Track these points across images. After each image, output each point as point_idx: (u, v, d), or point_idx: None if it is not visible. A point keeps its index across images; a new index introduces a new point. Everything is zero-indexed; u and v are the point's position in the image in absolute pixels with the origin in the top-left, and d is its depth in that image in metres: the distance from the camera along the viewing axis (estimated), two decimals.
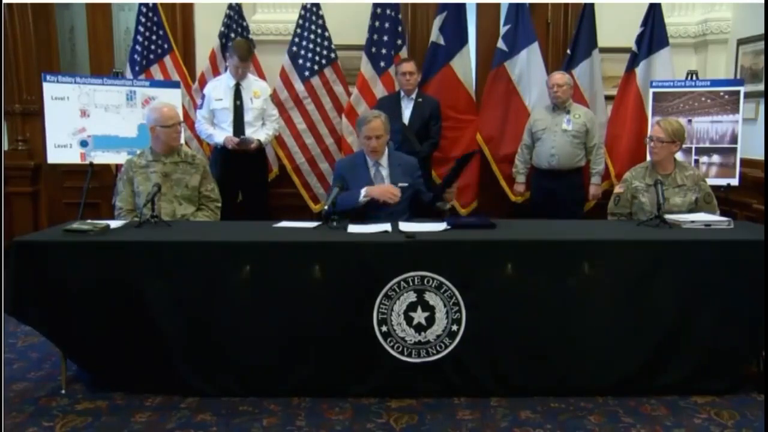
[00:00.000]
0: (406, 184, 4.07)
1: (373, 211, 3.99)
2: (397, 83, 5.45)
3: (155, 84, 5.46)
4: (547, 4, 6.03)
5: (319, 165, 5.84)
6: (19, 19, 5.90)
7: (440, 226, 3.67)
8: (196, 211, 4.26)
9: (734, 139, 5.19)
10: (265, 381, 3.42)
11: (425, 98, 5.41)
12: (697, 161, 5.26)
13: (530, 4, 5.79)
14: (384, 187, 4.01)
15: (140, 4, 5.67)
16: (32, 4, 5.91)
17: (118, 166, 5.20)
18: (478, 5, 6.08)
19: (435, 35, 5.70)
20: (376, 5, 5.63)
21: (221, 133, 5.10)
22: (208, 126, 5.20)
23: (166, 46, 5.74)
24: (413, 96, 5.35)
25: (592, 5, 5.62)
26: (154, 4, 5.69)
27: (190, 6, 6.01)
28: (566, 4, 5.98)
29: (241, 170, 5.15)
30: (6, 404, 3.32)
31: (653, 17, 5.54)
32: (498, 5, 6.06)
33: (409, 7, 6.01)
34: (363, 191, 3.98)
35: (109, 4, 6.11)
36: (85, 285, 3.32)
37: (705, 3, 5.89)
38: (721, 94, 5.24)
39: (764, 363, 3.60)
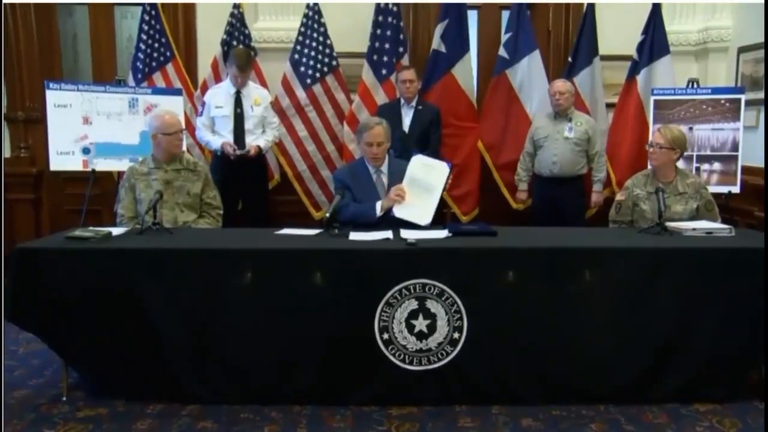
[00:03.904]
0: None
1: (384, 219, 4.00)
2: (398, 91, 5.45)
3: (157, 91, 5.46)
4: (548, 11, 6.05)
5: (320, 172, 5.83)
6: (22, 27, 5.91)
7: (442, 234, 3.67)
8: (197, 218, 4.26)
9: (735, 146, 5.19)
10: (267, 388, 3.42)
11: (425, 106, 5.41)
12: (698, 169, 5.26)
13: (531, 12, 5.80)
14: (390, 195, 3.98)
15: (142, 12, 5.68)
16: (35, 12, 5.92)
17: (120, 174, 5.20)
18: (480, 13, 6.10)
19: (436, 43, 5.70)
20: (377, 13, 5.64)
21: (220, 140, 5.10)
22: (207, 133, 5.19)
23: (168, 53, 5.75)
24: (413, 104, 5.35)
25: (593, 13, 5.64)
26: (157, 12, 5.70)
27: (193, 13, 6.01)
28: (567, 12, 6.00)
29: (241, 177, 5.13)
30: (7, 411, 3.32)
31: (654, 25, 5.55)
32: (499, 13, 6.08)
33: (410, 14, 6.02)
34: (377, 207, 3.97)
35: (111, 12, 6.13)
36: (86, 292, 3.32)
37: (705, 11, 5.91)
38: (722, 101, 5.24)
39: (765, 371, 3.59)
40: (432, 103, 5.54)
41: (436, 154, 5.24)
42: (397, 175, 4.09)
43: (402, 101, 5.38)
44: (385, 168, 4.16)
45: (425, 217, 3.93)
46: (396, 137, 4.88)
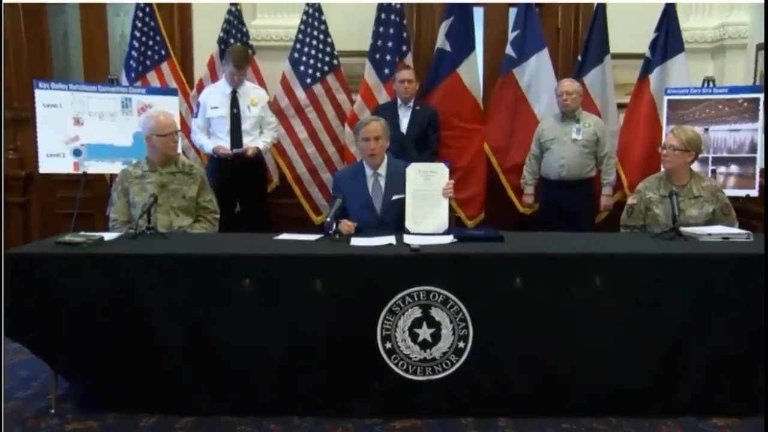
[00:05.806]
0: (402, 196, 3.94)
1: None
2: (396, 90, 5.40)
3: (152, 91, 5.41)
4: (557, 8, 5.97)
5: (320, 175, 5.78)
6: (10, 24, 5.88)
7: (447, 239, 3.62)
8: (193, 222, 4.21)
9: (753, 148, 5.08)
10: (266, 399, 3.38)
11: (423, 106, 5.38)
12: (714, 171, 5.18)
13: (539, 9, 5.74)
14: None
15: (136, 9, 5.64)
16: (24, 9, 5.90)
17: (112, 176, 5.12)
18: (486, 10, 6.03)
19: (441, 41, 5.64)
20: (380, 10, 5.58)
21: (213, 143, 5.05)
22: (202, 135, 5.15)
23: (163, 52, 5.71)
24: (410, 104, 5.31)
25: (603, 10, 5.56)
26: (151, 9, 5.66)
27: (188, 10, 5.98)
28: (577, 9, 5.93)
29: (238, 180, 5.08)
30: None
31: (668, 22, 5.47)
32: (506, 10, 6.02)
33: (414, 12, 5.96)
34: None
35: (103, 9, 6.10)
36: (77, 299, 3.27)
37: (722, 7, 5.81)
38: (740, 101, 5.14)
39: (766, 377, 3.42)
40: (435, 103, 5.52)
41: (434, 156, 5.29)
42: (396, 177, 4.01)
43: (399, 102, 5.35)
44: (383, 170, 4.09)
45: (441, 225, 3.87)
46: (393, 138, 4.79)
